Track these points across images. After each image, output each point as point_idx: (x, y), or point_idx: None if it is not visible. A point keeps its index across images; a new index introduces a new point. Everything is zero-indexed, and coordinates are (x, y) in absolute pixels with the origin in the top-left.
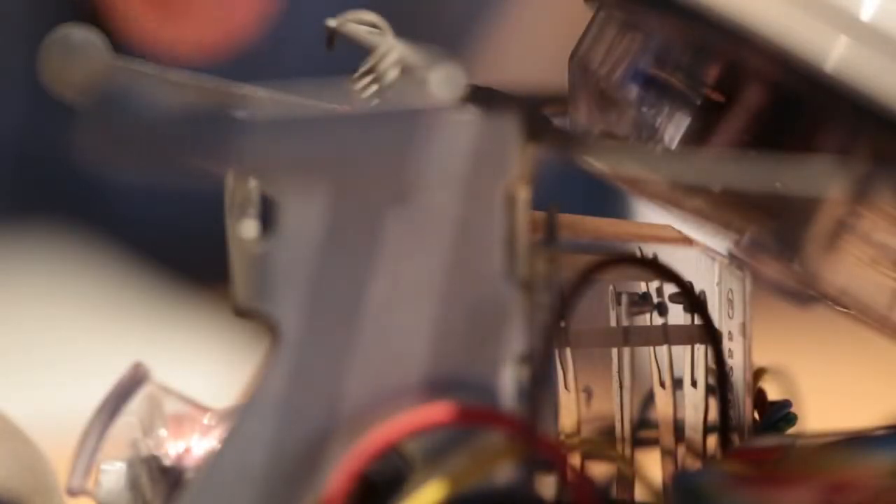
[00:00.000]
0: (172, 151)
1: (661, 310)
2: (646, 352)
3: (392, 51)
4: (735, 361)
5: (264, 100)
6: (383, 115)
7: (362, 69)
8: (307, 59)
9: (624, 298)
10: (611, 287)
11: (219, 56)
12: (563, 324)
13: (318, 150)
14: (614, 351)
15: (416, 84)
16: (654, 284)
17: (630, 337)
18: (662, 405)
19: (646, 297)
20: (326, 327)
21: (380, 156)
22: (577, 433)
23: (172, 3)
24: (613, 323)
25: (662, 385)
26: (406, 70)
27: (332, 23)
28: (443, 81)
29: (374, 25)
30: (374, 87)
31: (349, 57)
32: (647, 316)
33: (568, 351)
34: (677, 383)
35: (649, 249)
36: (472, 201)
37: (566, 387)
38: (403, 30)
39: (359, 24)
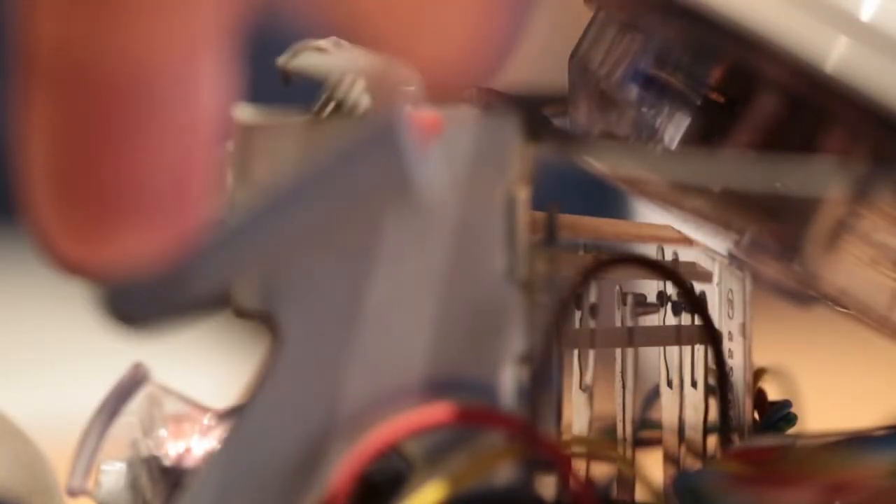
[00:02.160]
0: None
1: (676, 309)
2: (647, 352)
3: (345, 73)
4: (735, 361)
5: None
6: (358, 145)
7: (322, 99)
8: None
9: (629, 299)
10: (617, 287)
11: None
12: (579, 325)
13: (313, 215)
14: (618, 351)
15: (379, 93)
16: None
17: (633, 337)
18: (668, 405)
19: (662, 297)
20: (326, 327)
21: (371, 176)
22: (588, 433)
23: (99, 220)
24: (618, 323)
25: (670, 385)
26: (367, 82)
27: (281, 60)
28: (402, 82)
29: (320, 48)
30: (340, 112)
31: None
32: (656, 316)
33: (591, 352)
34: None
35: (650, 250)
36: (472, 201)
37: (581, 387)
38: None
39: (306, 54)
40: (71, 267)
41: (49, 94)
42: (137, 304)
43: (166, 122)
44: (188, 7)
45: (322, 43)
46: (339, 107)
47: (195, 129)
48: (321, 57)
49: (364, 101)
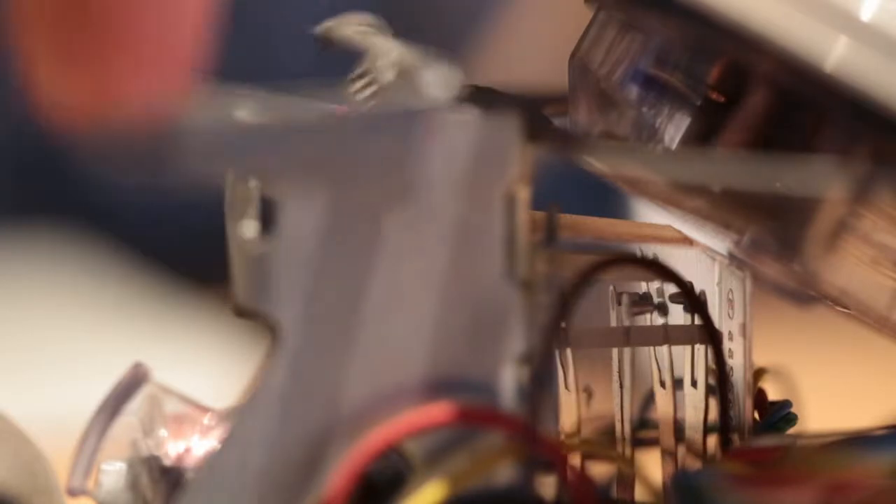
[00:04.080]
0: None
1: (663, 310)
2: (646, 352)
3: (387, 52)
4: (735, 361)
5: (262, 102)
6: (379, 117)
7: (357, 71)
8: (303, 62)
9: (624, 298)
10: (611, 287)
11: (147, 121)
12: (564, 324)
13: (316, 153)
14: (614, 351)
15: (411, 85)
16: (654, 284)
17: (631, 337)
18: (663, 405)
19: (646, 297)
20: (326, 327)
21: (378, 158)
22: (578, 433)
23: (88, 44)
24: (614, 323)
25: (663, 385)
26: (402, 71)
27: (321, 28)
28: (438, 82)
29: (367, 26)
30: (371, 90)
31: (346, 59)
32: (648, 316)
33: (568, 351)
34: (677, 383)
35: (648, 249)
36: (472, 201)
37: (566, 386)
38: (403, 30)
39: (352, 26)
40: (65, 111)
41: None
42: (134, 161)
43: None
44: None
45: (367, 18)
46: (371, 83)
47: None
48: (366, 34)
49: (393, 87)
